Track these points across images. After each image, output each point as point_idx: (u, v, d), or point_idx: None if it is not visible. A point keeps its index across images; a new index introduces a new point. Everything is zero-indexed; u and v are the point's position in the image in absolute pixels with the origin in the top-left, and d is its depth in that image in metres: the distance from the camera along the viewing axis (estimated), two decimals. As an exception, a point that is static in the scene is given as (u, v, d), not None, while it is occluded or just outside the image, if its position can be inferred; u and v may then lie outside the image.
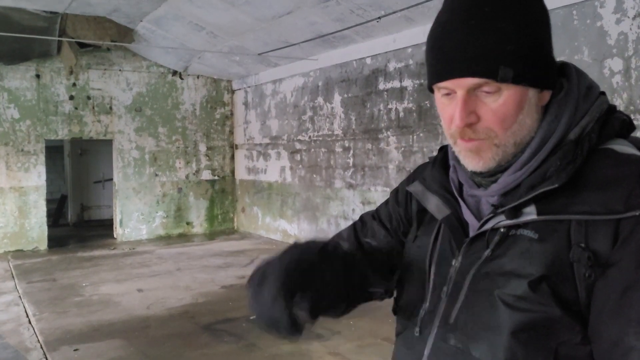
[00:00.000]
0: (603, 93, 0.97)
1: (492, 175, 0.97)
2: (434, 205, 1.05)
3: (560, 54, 5.49)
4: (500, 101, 0.89)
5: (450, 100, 0.93)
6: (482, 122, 0.91)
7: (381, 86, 7.95)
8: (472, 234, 0.98)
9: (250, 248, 9.83)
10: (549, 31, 0.93)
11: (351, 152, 8.60)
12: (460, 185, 1.04)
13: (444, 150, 1.13)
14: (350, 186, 8.60)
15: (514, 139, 0.92)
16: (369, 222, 1.26)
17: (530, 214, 0.90)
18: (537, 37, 0.91)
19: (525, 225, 0.90)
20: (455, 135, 0.94)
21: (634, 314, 0.78)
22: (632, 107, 4.96)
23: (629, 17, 4.98)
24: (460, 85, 0.90)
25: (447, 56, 0.91)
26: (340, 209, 8.80)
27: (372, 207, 7.80)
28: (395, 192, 1.26)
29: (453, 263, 0.99)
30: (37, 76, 9.94)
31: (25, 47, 8.93)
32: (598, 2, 5.21)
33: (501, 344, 0.88)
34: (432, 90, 0.99)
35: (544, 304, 0.85)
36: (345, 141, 8.71)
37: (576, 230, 0.85)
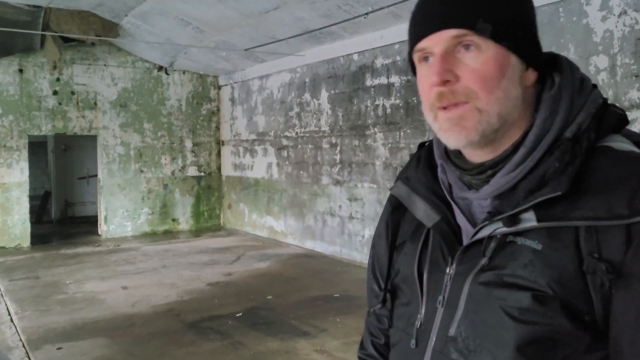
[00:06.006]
0: (595, 86, 0.93)
1: (482, 172, 0.92)
2: (423, 211, 0.99)
3: (546, 51, 5.51)
4: (480, 59, 0.86)
5: (429, 67, 0.89)
6: (461, 82, 0.86)
7: (368, 82, 7.93)
8: (466, 241, 0.93)
9: (237, 245, 9.78)
10: (532, 11, 0.92)
11: (338, 148, 8.58)
12: (450, 186, 0.99)
13: (427, 148, 1.07)
14: (337, 182, 8.58)
15: (498, 108, 0.86)
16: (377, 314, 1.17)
17: (529, 220, 0.84)
18: (519, 7, 0.90)
19: (526, 233, 0.85)
20: (434, 105, 0.89)
21: None
22: (617, 104, 4.98)
23: (614, 15, 5.00)
24: (439, 41, 0.87)
25: (425, 15, 0.89)
26: (327, 205, 8.78)
27: (359, 204, 7.74)
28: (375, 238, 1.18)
29: (447, 270, 0.93)
30: (20, 71, 9.80)
31: (7, 42, 8.81)
32: (584, 0, 5.23)
33: (507, 358, 0.84)
34: (414, 71, 0.95)
35: (552, 317, 0.81)
36: (332, 137, 8.69)
37: (586, 239, 0.80)
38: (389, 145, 7.60)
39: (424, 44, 0.89)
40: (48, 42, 9.26)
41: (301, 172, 9.48)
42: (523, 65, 0.90)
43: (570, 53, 5.32)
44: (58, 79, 10.16)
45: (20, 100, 9.82)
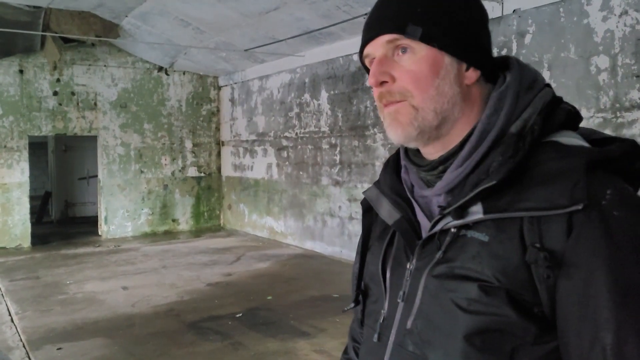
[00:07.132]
0: (548, 85, 0.96)
1: (434, 168, 0.97)
2: (386, 210, 1.03)
3: (547, 51, 5.51)
4: (413, 60, 0.92)
5: None
6: (397, 82, 0.93)
7: (368, 83, 7.93)
8: (424, 235, 0.96)
9: (237, 245, 9.79)
10: (474, 14, 0.96)
11: (338, 149, 8.58)
12: (413, 186, 1.03)
13: (396, 151, 1.12)
14: (337, 183, 8.58)
15: (433, 105, 0.92)
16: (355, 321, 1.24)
17: (476, 213, 0.88)
18: (458, 11, 0.94)
19: (476, 226, 0.88)
20: (378, 104, 0.97)
21: (604, 315, 0.77)
22: (617, 105, 4.99)
23: (615, 15, 5.00)
24: (377, 46, 0.95)
25: (368, 24, 0.98)
26: (327, 206, 8.79)
27: (358, 204, 7.76)
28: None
29: (408, 266, 0.97)
30: (21, 71, 9.81)
31: (8, 42, 8.81)
32: (585, 0, 5.22)
33: (456, 349, 0.86)
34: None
35: (498, 307, 0.83)
36: (332, 138, 8.69)
37: (529, 230, 0.83)
38: (389, 145, 7.59)
39: (368, 49, 0.98)
40: (48, 43, 9.26)
41: (301, 172, 9.48)
42: (461, 65, 0.94)
43: (571, 53, 5.32)
44: (58, 80, 10.16)
45: (21, 101, 9.82)
